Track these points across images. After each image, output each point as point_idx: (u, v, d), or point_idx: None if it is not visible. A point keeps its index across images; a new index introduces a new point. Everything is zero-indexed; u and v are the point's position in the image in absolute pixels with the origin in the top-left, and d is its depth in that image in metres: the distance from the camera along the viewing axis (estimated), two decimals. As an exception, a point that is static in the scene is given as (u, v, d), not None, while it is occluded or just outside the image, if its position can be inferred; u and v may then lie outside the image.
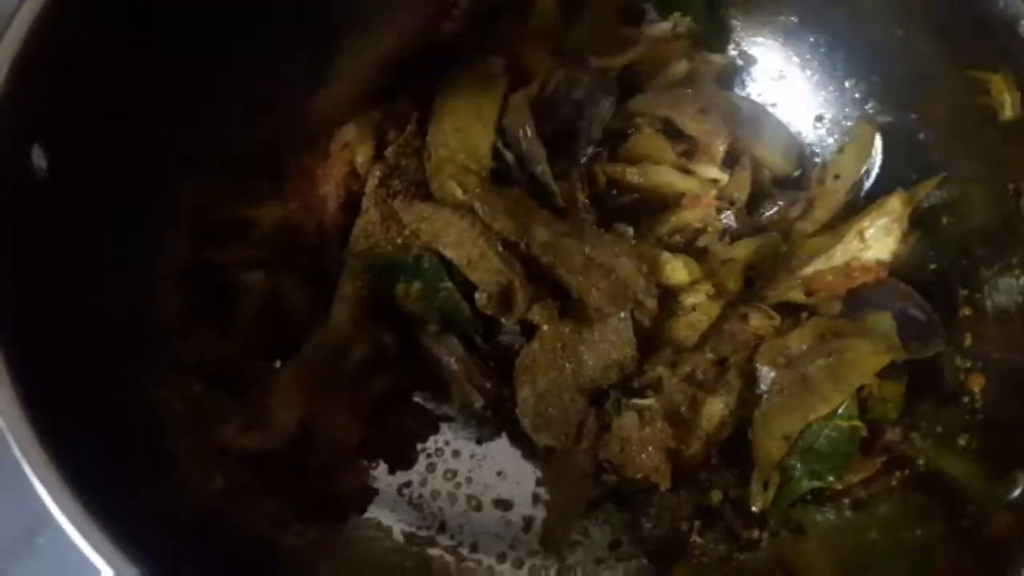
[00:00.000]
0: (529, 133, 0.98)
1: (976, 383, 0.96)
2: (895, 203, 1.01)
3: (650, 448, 0.93)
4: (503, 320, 0.97)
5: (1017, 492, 0.83)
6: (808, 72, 1.18)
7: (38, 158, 0.84)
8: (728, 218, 1.04)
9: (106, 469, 0.76)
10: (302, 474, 0.93)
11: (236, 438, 0.90)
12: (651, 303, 0.94)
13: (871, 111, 1.13)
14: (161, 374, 0.93)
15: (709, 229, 1.04)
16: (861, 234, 1.00)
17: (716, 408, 0.95)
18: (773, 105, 1.21)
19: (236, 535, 0.88)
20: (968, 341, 0.98)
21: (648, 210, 1.09)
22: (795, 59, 1.19)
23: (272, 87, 1.07)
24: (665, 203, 1.09)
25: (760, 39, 1.21)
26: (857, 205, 1.09)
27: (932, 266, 1.03)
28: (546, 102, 1.02)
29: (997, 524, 0.83)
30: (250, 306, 0.98)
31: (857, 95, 1.15)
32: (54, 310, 0.83)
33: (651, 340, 0.99)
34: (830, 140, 1.18)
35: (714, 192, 1.06)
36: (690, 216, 1.03)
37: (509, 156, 0.99)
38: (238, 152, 1.05)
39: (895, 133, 1.11)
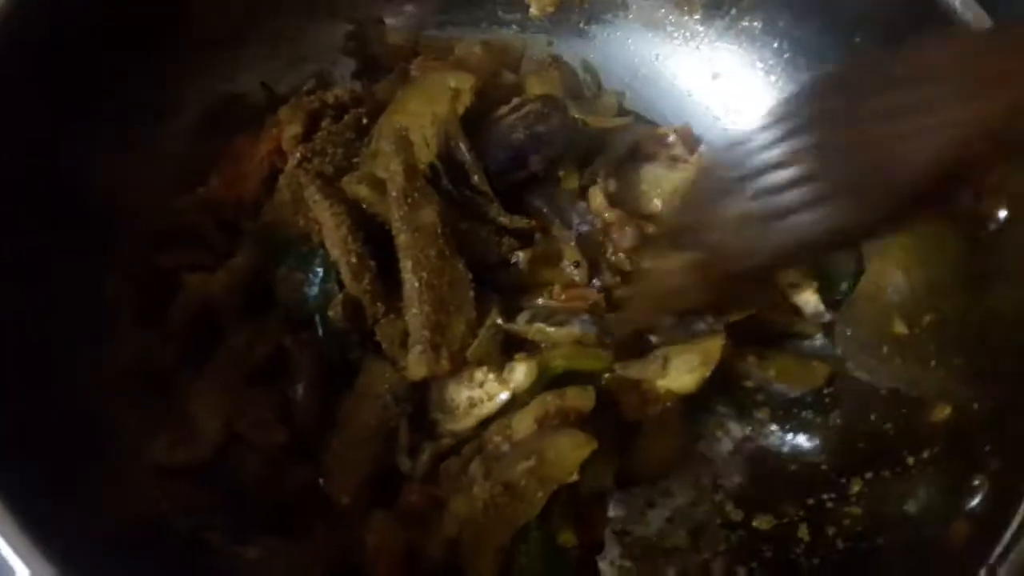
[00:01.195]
0: (463, 146, 0.97)
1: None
2: (715, 347, 0.96)
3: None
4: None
5: (976, 500, 0.82)
6: (772, 78, 1.18)
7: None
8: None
9: (43, 477, 0.76)
10: (243, 484, 0.91)
11: (167, 454, 0.90)
12: (444, 365, 0.89)
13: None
14: (102, 375, 0.92)
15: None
16: (664, 360, 0.96)
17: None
18: (738, 111, 1.20)
19: (188, 548, 0.87)
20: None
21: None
22: (759, 65, 1.18)
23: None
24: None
25: (724, 45, 1.20)
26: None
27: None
28: (510, 125, 1.00)
29: (956, 533, 0.82)
30: (187, 307, 0.96)
31: (822, 100, 1.14)
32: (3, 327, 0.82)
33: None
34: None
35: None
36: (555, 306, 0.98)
37: (439, 165, 0.97)
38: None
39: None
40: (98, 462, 0.86)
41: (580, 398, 0.91)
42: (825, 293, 1.07)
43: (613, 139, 1.04)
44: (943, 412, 0.93)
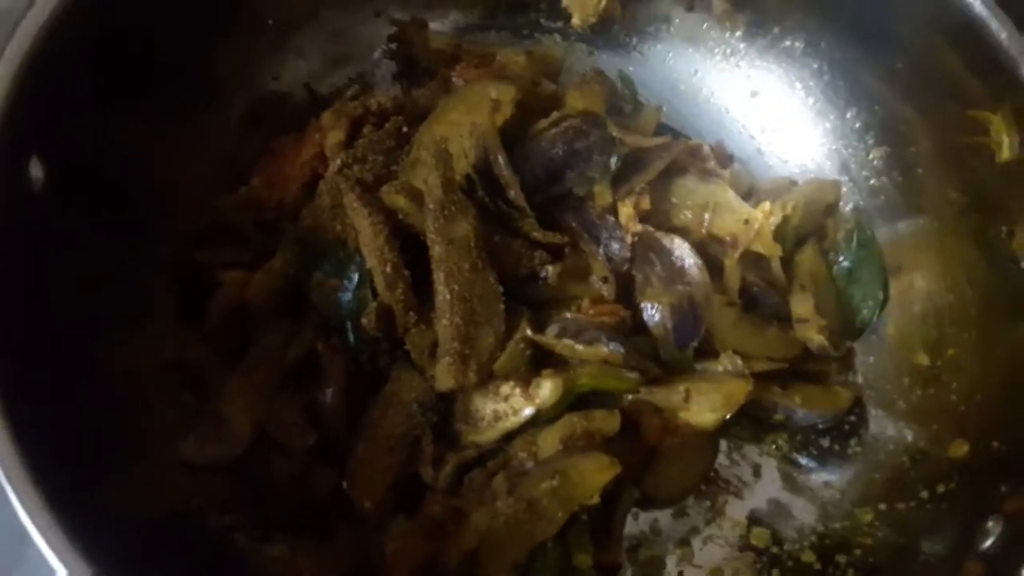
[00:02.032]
0: (501, 160, 0.98)
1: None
2: (740, 391, 0.97)
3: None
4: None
5: (990, 542, 0.83)
6: (811, 100, 1.18)
7: (36, 169, 0.85)
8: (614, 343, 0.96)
9: (78, 475, 0.78)
10: (271, 484, 0.94)
11: (198, 451, 0.92)
12: (471, 377, 0.91)
13: (870, 142, 1.13)
14: (139, 371, 0.94)
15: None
16: (687, 393, 0.97)
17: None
18: (774, 130, 1.21)
19: (216, 546, 0.90)
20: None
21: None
22: (798, 86, 1.19)
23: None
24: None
25: (764, 64, 1.21)
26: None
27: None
28: (549, 140, 1.01)
29: (969, 573, 0.83)
30: (224, 306, 0.99)
31: (858, 126, 1.14)
32: (44, 320, 0.85)
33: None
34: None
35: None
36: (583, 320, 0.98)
37: (476, 177, 0.98)
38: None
39: (892, 166, 1.11)
40: (132, 459, 0.88)
41: (606, 421, 0.93)
42: (846, 320, 1.08)
43: (651, 157, 1.05)
44: (961, 448, 0.94)
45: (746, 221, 1.04)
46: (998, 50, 0.95)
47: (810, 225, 1.11)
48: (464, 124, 1.03)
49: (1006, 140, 0.97)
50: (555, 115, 1.04)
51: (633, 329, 1.00)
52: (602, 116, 1.04)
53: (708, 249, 1.05)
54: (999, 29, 0.94)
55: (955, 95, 1.00)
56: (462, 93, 1.07)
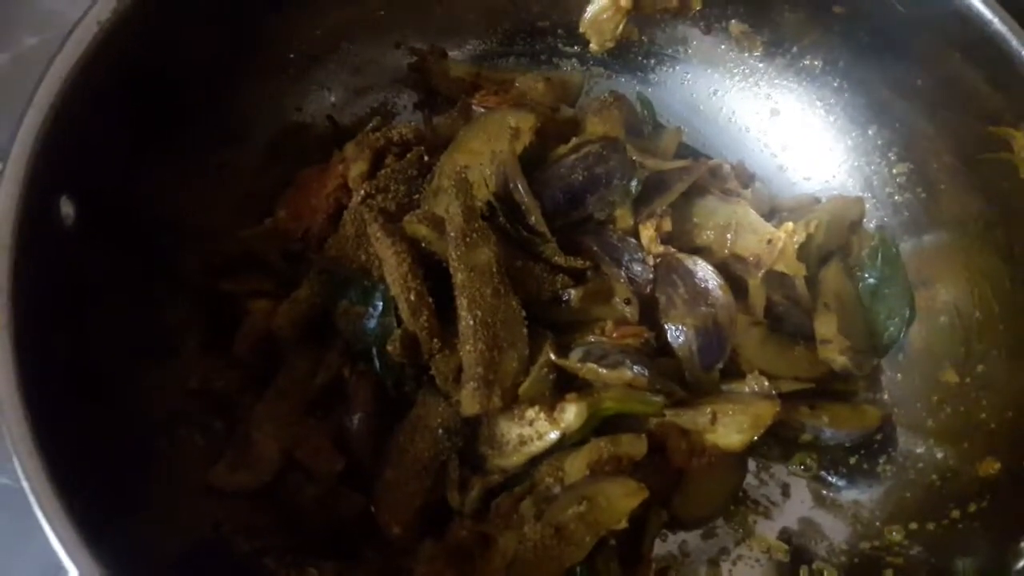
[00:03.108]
0: (521, 186, 0.99)
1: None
2: (768, 412, 0.96)
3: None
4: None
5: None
6: (832, 117, 1.18)
7: (66, 207, 0.87)
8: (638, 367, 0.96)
9: (108, 495, 0.79)
10: (299, 509, 0.94)
11: (226, 477, 0.93)
12: (496, 402, 0.91)
13: (893, 158, 1.12)
14: (167, 397, 0.96)
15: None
16: (713, 415, 0.96)
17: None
18: (796, 148, 1.21)
19: (241, 568, 0.90)
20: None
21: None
22: (819, 104, 1.19)
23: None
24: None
25: (784, 83, 1.21)
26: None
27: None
28: (569, 167, 1.02)
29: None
30: (252, 334, 1.00)
31: (880, 142, 1.14)
32: (75, 352, 0.86)
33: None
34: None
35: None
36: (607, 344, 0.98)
37: (497, 204, 0.99)
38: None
39: (915, 182, 1.11)
40: (162, 485, 0.90)
41: (633, 446, 0.93)
42: (872, 338, 1.07)
43: (672, 180, 1.05)
44: (992, 467, 0.93)
45: (769, 241, 1.04)
46: (1019, 66, 0.95)
47: (834, 243, 1.11)
48: (484, 152, 1.04)
49: (1030, 157, 0.97)
50: (574, 141, 1.05)
51: (657, 351, 1.00)
52: (621, 140, 1.04)
53: (731, 269, 1.05)
54: (1020, 46, 0.94)
55: (977, 111, 1.00)
56: (482, 122, 1.08)
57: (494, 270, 0.94)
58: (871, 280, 1.10)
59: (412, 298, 0.94)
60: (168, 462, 0.93)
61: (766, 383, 0.98)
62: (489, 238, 0.95)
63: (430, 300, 0.95)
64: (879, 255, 1.10)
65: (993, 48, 0.96)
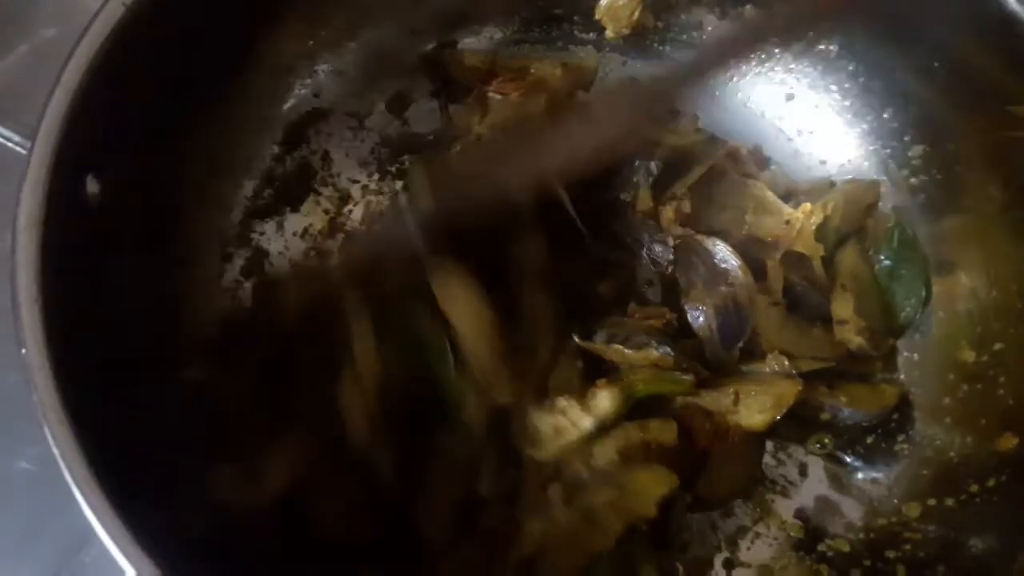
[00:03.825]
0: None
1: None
2: (790, 392, 0.97)
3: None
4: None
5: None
6: (847, 102, 1.19)
7: (92, 185, 0.88)
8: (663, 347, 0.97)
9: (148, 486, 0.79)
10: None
11: (225, 486, 0.90)
12: (526, 392, 0.93)
13: (908, 141, 1.13)
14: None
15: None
16: (736, 396, 0.97)
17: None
18: (811, 132, 1.21)
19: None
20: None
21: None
22: (834, 88, 1.19)
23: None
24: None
25: (800, 67, 1.21)
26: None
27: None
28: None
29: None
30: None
31: (895, 125, 1.15)
32: (104, 332, 0.87)
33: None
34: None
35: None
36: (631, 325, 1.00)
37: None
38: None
39: (931, 164, 1.11)
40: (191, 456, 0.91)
41: (662, 431, 0.94)
42: (889, 318, 1.08)
43: (690, 160, 1.06)
44: (1010, 442, 0.93)
45: (787, 222, 1.05)
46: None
47: (851, 225, 1.12)
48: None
49: (1048, 136, 0.97)
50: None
51: (678, 332, 1.00)
52: (639, 121, 1.05)
53: (749, 250, 1.06)
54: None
55: (994, 92, 1.00)
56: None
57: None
58: (887, 262, 1.11)
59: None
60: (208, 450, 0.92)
61: (787, 363, 0.99)
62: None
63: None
64: (895, 236, 1.10)
65: (1008, 28, 0.96)
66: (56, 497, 0.73)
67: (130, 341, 0.90)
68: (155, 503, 0.77)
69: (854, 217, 1.12)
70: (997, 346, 1.00)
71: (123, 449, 0.78)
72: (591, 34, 1.27)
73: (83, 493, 0.72)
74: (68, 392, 0.75)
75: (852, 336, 1.05)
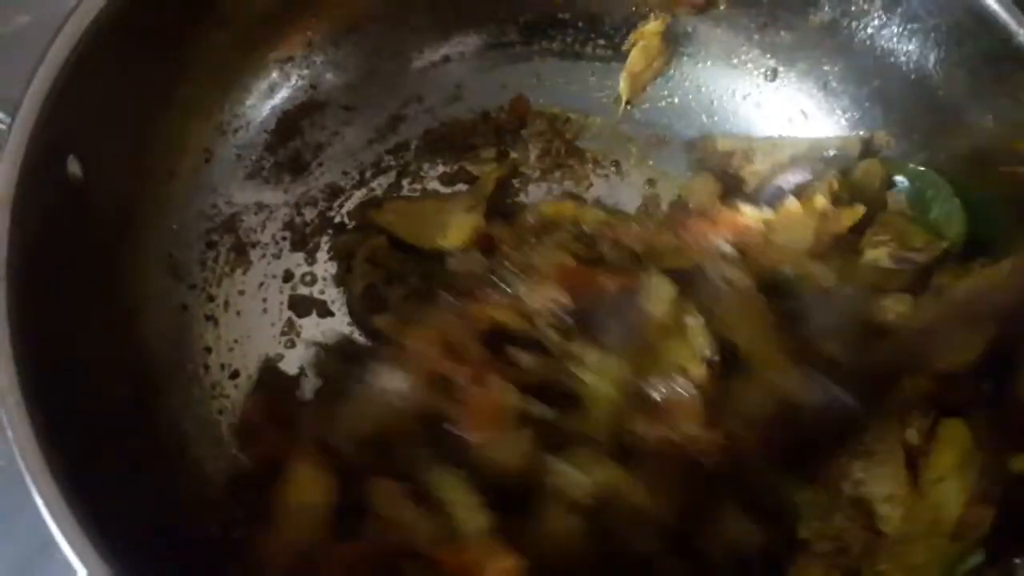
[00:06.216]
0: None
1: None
2: None
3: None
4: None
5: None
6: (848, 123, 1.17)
7: (73, 167, 0.88)
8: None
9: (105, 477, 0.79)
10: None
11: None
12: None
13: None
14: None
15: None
16: None
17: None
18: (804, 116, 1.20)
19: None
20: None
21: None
22: (838, 111, 1.18)
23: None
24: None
25: (804, 86, 1.20)
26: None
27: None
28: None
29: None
30: None
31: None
32: (71, 319, 0.87)
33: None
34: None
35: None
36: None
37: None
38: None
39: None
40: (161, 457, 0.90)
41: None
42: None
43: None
44: None
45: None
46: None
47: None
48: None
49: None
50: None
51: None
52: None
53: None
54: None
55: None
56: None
57: None
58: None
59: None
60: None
61: None
62: None
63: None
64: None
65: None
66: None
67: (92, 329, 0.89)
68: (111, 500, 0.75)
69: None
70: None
71: (88, 449, 0.77)
72: (599, 41, 1.24)
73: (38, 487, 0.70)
74: (27, 378, 0.74)
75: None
